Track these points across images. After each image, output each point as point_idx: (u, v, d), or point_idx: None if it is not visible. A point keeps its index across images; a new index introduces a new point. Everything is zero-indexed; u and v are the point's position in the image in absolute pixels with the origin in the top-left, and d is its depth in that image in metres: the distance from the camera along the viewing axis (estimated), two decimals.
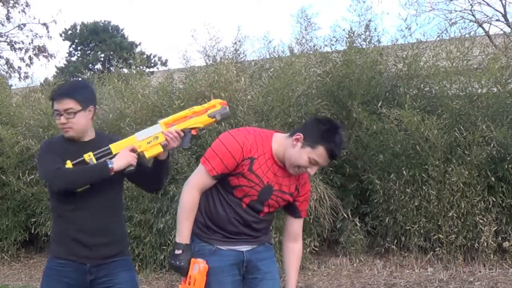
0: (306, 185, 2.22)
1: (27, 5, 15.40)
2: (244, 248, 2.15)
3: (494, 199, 4.56)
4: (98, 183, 2.12)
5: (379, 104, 4.80)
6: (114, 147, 2.17)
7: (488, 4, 9.70)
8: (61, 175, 2.13)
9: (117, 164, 2.11)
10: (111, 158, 2.14)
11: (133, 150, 2.16)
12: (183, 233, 2.12)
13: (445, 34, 5.78)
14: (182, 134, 2.18)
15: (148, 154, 2.19)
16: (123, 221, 2.35)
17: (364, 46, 5.36)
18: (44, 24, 15.41)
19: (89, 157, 2.15)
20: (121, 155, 2.13)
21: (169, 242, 4.98)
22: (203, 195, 2.15)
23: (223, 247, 2.13)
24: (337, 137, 2.04)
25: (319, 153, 2.02)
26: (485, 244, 4.50)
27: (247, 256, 2.15)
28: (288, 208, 2.24)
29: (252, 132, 2.13)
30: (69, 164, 2.13)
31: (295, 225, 2.27)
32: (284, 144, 2.10)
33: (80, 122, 2.21)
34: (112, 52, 20.25)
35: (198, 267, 2.08)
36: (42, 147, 2.32)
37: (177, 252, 2.11)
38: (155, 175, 2.32)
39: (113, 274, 2.22)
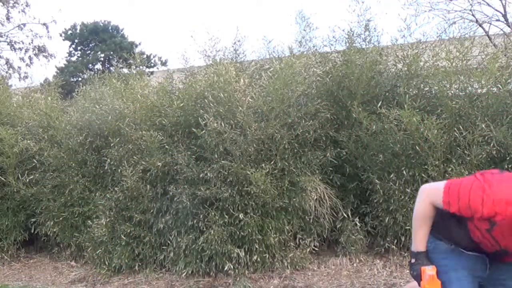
0: None
1: (27, 5, 15.47)
2: None
3: None
4: None
5: (379, 104, 4.80)
6: None
7: (488, 4, 9.71)
8: None
9: None
10: None
11: None
12: (415, 241, 2.17)
13: (445, 34, 5.75)
14: None
15: None
16: None
17: (363, 46, 5.36)
18: (44, 24, 15.47)
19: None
20: None
21: (168, 242, 4.98)
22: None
23: None
24: None
25: None
26: None
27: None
28: None
29: None
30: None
31: None
32: None
33: None
34: (112, 52, 20.27)
35: (428, 275, 2.09)
36: None
37: (412, 261, 2.18)
38: None
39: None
